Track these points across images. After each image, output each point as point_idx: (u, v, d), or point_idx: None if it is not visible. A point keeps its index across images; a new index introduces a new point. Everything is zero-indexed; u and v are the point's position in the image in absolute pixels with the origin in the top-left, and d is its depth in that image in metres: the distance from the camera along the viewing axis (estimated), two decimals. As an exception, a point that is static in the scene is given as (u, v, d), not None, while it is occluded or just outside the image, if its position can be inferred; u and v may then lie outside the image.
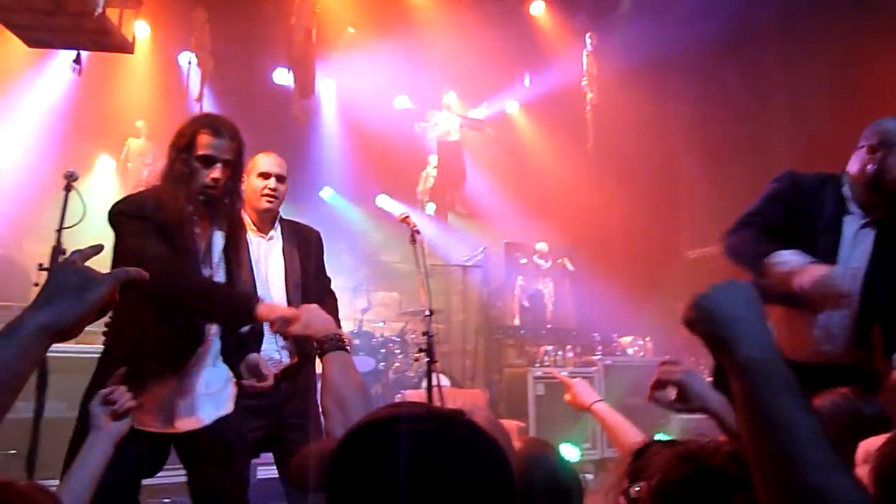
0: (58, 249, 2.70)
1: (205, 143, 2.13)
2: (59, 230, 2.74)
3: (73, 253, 1.01)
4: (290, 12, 6.88)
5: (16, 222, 6.95)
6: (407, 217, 3.38)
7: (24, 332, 0.85)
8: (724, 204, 5.89)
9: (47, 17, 4.04)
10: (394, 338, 6.84)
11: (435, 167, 9.22)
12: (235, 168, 2.18)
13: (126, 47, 4.53)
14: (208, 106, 7.35)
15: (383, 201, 9.50)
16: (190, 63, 7.34)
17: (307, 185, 8.85)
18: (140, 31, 4.72)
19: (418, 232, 3.28)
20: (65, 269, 0.96)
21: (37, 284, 2.89)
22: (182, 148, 2.13)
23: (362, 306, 7.25)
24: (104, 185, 7.93)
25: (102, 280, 0.96)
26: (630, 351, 7.23)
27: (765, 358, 0.83)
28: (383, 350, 6.55)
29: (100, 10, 4.05)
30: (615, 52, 8.41)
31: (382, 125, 8.79)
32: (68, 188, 2.83)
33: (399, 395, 5.90)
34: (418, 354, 3.14)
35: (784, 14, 7.35)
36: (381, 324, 7.33)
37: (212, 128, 2.14)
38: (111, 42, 4.41)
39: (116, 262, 1.99)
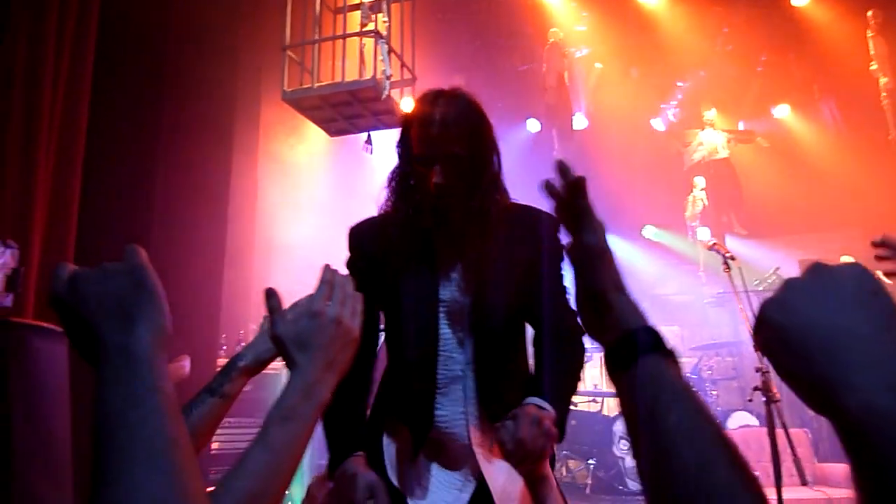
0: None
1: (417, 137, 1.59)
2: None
3: (58, 268, 0.73)
4: (541, 60, 7.02)
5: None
6: (716, 244, 3.13)
7: (143, 357, 0.64)
8: None
9: (345, 107, 4.57)
10: (688, 375, 6.40)
11: (703, 189, 8.65)
12: (470, 161, 1.56)
13: (407, 122, 4.92)
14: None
15: (650, 232, 9.14)
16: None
17: (571, 226, 8.84)
18: (409, 104, 5.09)
19: (732, 258, 3.01)
20: (96, 279, 0.70)
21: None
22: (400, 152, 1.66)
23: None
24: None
25: (138, 267, 0.71)
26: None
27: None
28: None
29: (386, 93, 4.48)
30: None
31: (638, 154, 8.53)
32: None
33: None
34: (752, 393, 2.84)
35: None
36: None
37: (420, 117, 1.58)
38: (395, 120, 4.83)
39: None
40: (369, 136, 5.04)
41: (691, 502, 0.55)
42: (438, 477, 1.51)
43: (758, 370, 2.77)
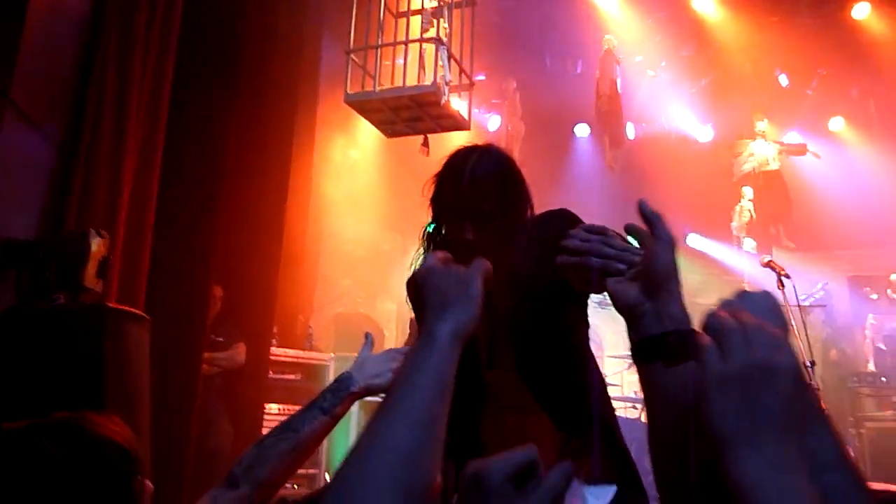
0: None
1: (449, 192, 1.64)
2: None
3: (428, 257, 0.93)
4: (594, 67, 7.08)
5: (370, 285, 8.08)
6: (771, 261, 3.19)
7: (440, 344, 0.81)
8: None
9: (405, 111, 4.72)
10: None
11: (750, 200, 8.59)
12: (501, 216, 1.57)
13: (464, 125, 5.05)
14: (521, 166, 7.81)
15: (695, 241, 9.10)
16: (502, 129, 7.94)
17: (617, 230, 8.86)
18: (465, 108, 5.22)
19: (787, 276, 3.06)
20: (439, 273, 0.89)
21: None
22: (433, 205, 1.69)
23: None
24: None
25: (473, 274, 0.89)
26: None
27: None
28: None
29: (445, 98, 4.61)
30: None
31: (686, 162, 8.51)
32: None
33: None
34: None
35: None
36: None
37: (452, 171, 1.63)
38: (453, 123, 4.97)
39: None
40: (426, 138, 5.18)
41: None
42: None
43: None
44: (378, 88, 4.66)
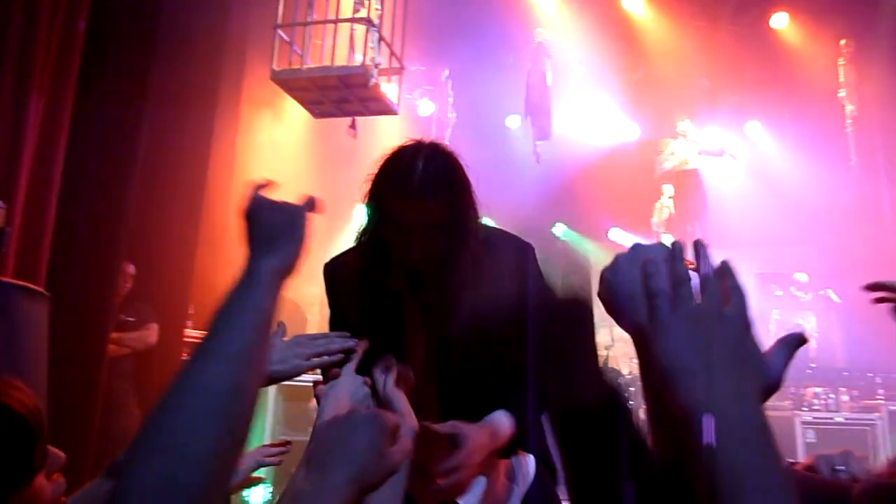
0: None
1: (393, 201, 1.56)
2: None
3: (256, 190, 0.96)
4: (526, 59, 7.15)
5: (294, 268, 7.92)
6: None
7: (263, 281, 0.83)
8: None
9: (333, 91, 4.64)
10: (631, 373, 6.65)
11: (670, 197, 8.90)
12: (449, 232, 1.50)
13: (392, 110, 5.02)
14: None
15: (616, 234, 9.37)
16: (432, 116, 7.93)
17: (541, 222, 9.02)
18: (394, 92, 5.18)
19: (696, 270, 3.16)
20: (267, 207, 0.92)
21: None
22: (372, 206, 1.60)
23: (606, 343, 7.15)
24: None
25: (300, 211, 0.93)
26: (920, 396, 6.28)
27: None
28: (633, 388, 6.37)
29: (374, 80, 4.56)
30: (879, 57, 7.53)
31: (611, 157, 8.74)
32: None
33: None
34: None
35: None
36: (629, 360, 7.15)
37: (397, 178, 1.54)
38: (381, 107, 4.93)
39: None
40: (354, 121, 5.13)
41: None
42: None
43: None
44: (305, 67, 4.57)
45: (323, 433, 0.91)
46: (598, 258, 9.26)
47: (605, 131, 8.98)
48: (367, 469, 0.85)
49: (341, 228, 6.73)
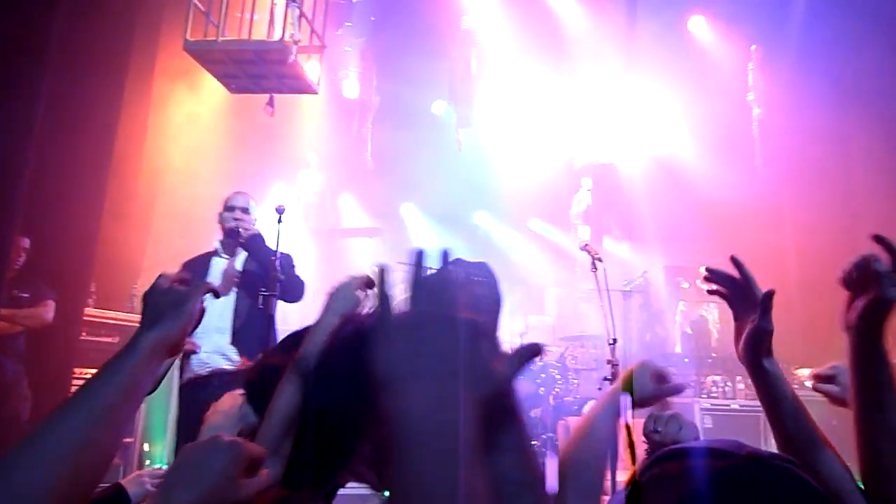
0: (276, 277, 2.97)
1: None
2: (275, 258, 3.02)
3: (159, 277, 1.10)
4: (452, 46, 7.15)
5: (208, 246, 7.68)
6: (588, 244, 3.39)
7: (141, 350, 0.96)
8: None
9: (250, 66, 4.51)
10: (554, 363, 6.80)
11: (588, 190, 9.13)
12: None
13: (312, 88, 4.92)
14: (373, 138, 7.78)
15: (536, 224, 9.54)
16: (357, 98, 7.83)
17: (462, 209, 9.09)
18: (315, 71, 5.10)
19: (600, 259, 3.27)
20: (159, 291, 1.06)
21: (261, 307, 3.23)
22: None
23: (519, 330, 7.29)
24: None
25: (191, 293, 1.06)
26: (808, 384, 6.70)
27: None
28: (543, 375, 6.52)
29: (293, 57, 4.45)
30: (786, 64, 7.95)
31: (533, 149, 8.88)
32: (279, 220, 3.12)
33: (561, 422, 5.86)
34: (603, 383, 3.14)
35: None
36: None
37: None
38: (300, 85, 4.82)
39: None
40: (272, 98, 5.00)
41: None
42: None
43: (609, 362, 3.06)
44: (221, 39, 4.41)
45: (181, 457, 0.90)
46: (516, 249, 9.44)
47: (528, 123, 9.10)
48: (211, 498, 0.84)
49: (258, 206, 6.59)
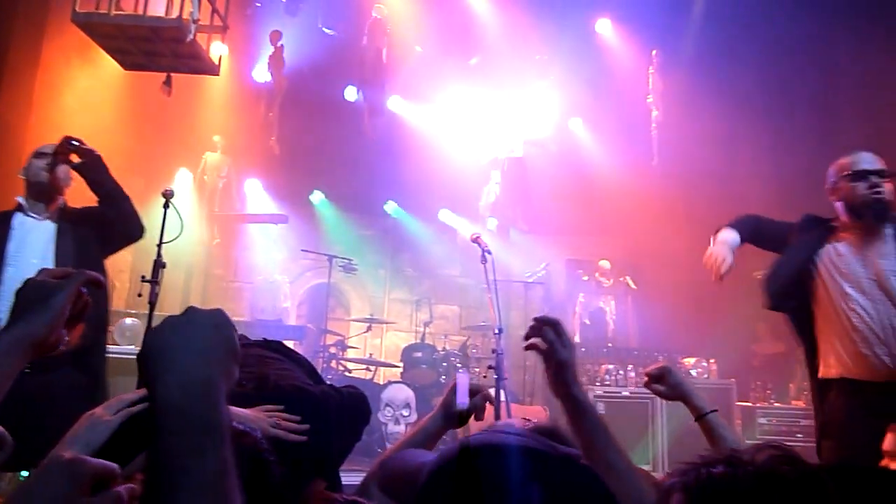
0: (159, 263, 2.90)
1: None
2: (160, 244, 2.94)
3: (39, 271, 1.08)
4: (362, 33, 7.11)
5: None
6: (479, 237, 3.47)
7: (2, 341, 0.97)
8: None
9: (144, 43, 4.34)
10: (455, 351, 6.93)
11: (497, 183, 9.30)
12: None
13: (212, 69, 4.79)
14: (281, 122, 7.64)
15: (445, 216, 9.64)
16: (264, 82, 7.66)
17: (372, 199, 9.07)
18: (219, 52, 4.98)
19: (489, 252, 3.37)
20: (27, 287, 1.04)
21: (140, 295, 3.13)
22: None
23: (425, 319, 7.38)
24: (182, 197, 8.34)
25: (62, 285, 1.03)
26: (694, 372, 7.11)
27: None
28: (445, 364, 6.64)
29: (191, 36, 4.32)
30: (683, 68, 8.35)
31: (445, 141, 8.96)
32: (167, 205, 3.04)
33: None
34: (487, 371, 3.24)
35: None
36: (444, 337, 7.44)
37: None
38: (200, 65, 4.69)
39: None
40: (169, 76, 4.83)
41: None
42: None
43: (493, 351, 3.17)
44: (114, 12, 4.22)
45: (22, 485, 0.89)
46: (426, 239, 9.52)
47: (440, 114, 9.17)
48: None
49: (158, 189, 6.38)
